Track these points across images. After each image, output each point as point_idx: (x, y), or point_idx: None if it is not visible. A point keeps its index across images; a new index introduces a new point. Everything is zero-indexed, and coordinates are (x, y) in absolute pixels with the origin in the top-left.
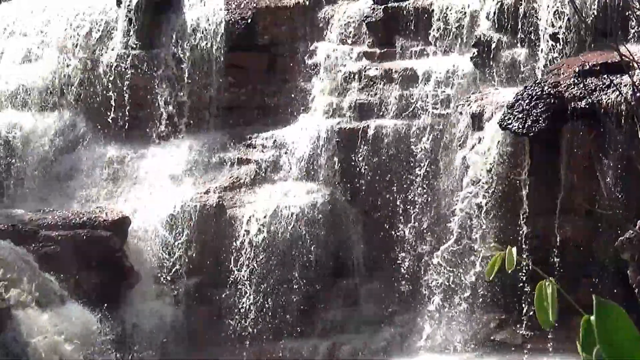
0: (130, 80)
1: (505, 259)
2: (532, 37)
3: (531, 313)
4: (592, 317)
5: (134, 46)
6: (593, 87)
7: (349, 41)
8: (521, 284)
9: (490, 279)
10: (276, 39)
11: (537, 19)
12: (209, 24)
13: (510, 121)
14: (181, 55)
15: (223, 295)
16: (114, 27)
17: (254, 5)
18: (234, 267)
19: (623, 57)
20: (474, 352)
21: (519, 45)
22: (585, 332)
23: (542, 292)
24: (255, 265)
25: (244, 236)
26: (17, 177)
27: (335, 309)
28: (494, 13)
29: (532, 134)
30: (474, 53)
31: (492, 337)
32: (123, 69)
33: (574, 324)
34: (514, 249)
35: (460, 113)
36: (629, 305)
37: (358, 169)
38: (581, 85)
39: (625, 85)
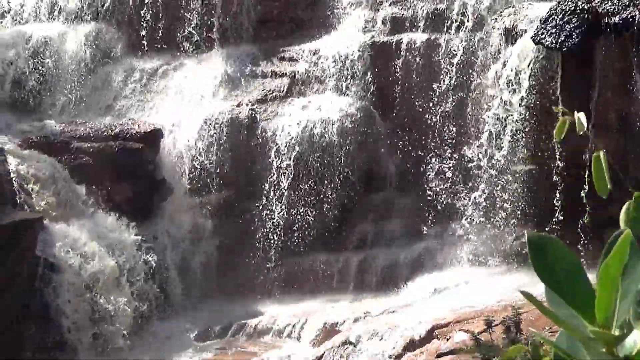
0: None
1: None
2: None
3: (564, 227)
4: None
5: None
6: (627, 3)
7: None
8: (555, 199)
9: (559, 140)
10: None
11: None
12: None
13: (543, 36)
14: None
15: (255, 209)
16: None
17: None
18: (266, 180)
19: None
20: (506, 266)
21: None
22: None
23: (598, 163)
24: (287, 178)
25: (275, 149)
26: (49, 90)
27: (367, 223)
28: None
29: (565, 49)
30: None
31: (524, 251)
32: None
33: (606, 239)
34: (582, 114)
35: (494, 27)
36: None
37: (390, 83)
38: (615, 0)
39: None
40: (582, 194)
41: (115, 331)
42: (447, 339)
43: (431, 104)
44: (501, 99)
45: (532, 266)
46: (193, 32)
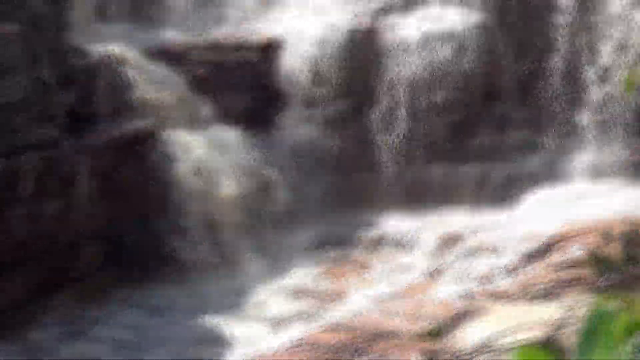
0: None
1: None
2: None
3: None
4: None
5: None
6: None
7: None
8: None
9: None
10: None
11: None
12: None
13: None
14: None
15: (373, 119)
16: None
17: None
18: (384, 91)
19: None
20: (625, 178)
21: None
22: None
23: None
24: (406, 89)
25: (395, 60)
26: (166, 1)
27: (485, 135)
28: None
29: None
30: None
31: None
32: None
33: None
34: None
35: None
36: None
37: None
38: None
39: None
40: None
41: (232, 241)
42: (564, 253)
43: (551, 16)
44: (623, 12)
45: None
46: None
